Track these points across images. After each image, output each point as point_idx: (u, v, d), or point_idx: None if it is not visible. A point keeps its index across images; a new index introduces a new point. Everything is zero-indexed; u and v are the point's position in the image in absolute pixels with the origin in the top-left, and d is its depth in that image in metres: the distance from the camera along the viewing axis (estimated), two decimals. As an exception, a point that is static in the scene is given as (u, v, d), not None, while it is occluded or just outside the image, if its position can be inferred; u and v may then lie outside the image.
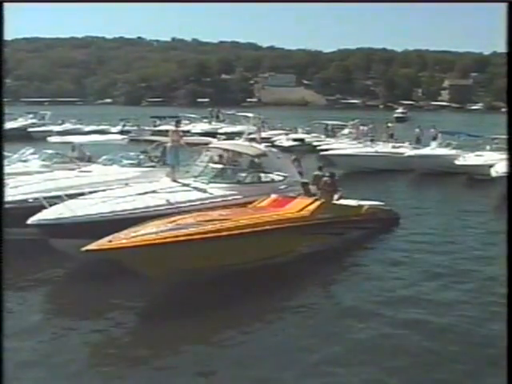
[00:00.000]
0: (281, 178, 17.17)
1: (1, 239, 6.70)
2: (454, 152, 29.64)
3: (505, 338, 6.20)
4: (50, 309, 10.99)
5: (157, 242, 10.57)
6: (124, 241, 10.40)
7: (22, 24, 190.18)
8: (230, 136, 33.07)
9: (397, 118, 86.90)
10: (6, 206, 8.40)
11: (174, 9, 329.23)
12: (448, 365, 8.44)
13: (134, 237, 10.60)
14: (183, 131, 43.62)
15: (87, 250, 10.04)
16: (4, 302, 6.76)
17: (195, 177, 16.26)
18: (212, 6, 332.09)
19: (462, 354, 8.78)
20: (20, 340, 8.64)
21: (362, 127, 40.51)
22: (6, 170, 12.89)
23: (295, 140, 42.33)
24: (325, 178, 16.13)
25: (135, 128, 53.80)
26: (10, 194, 13.01)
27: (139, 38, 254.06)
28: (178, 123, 18.80)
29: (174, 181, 15.83)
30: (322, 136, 43.46)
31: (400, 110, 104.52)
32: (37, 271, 12.41)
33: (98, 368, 8.42)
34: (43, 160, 20.45)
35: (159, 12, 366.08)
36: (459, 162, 27.64)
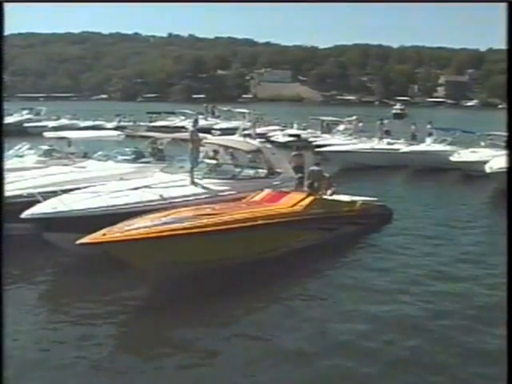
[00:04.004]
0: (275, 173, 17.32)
1: (1, 238, 6.75)
2: (448, 148, 29.73)
3: (505, 338, 6.27)
4: (43, 304, 11.06)
5: (151, 235, 10.63)
6: (118, 234, 10.45)
7: (18, 19, 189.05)
8: (226, 132, 33.12)
9: (395, 114, 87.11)
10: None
11: (170, 4, 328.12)
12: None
13: (128, 230, 10.66)
14: (178, 127, 43.98)
15: (82, 243, 10.11)
16: (4, 299, 6.81)
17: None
18: (208, 2, 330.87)
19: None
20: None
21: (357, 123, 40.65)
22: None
23: (291, 136, 42.37)
24: (315, 172, 16.25)
25: (131, 124, 53.86)
26: (6, 190, 13.04)
27: (135, 33, 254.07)
28: (195, 123, 18.00)
29: (193, 183, 15.55)
30: (318, 132, 43.49)
31: (398, 106, 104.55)
32: (32, 266, 12.51)
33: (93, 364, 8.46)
34: (39, 156, 20.50)
35: (155, 8, 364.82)
36: (454, 158, 27.73)
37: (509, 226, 7.09)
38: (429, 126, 35.09)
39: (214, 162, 17.46)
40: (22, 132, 42.55)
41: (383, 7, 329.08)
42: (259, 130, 29.63)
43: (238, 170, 17.40)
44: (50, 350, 8.85)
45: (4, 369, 6.17)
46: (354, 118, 42.19)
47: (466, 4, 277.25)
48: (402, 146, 31.80)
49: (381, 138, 33.91)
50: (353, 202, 16.27)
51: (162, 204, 13.56)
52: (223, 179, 16.27)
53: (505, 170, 19.63)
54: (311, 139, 39.18)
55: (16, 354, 8.11)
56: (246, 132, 20.03)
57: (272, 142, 32.29)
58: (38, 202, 12.91)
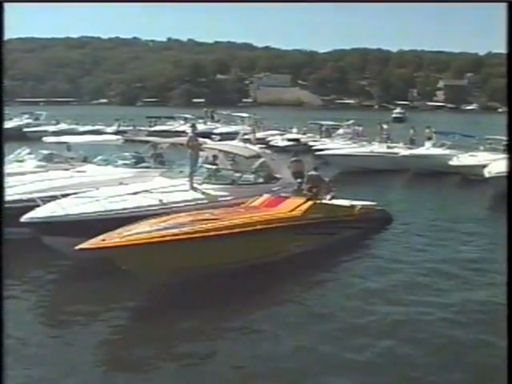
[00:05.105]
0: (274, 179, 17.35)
1: (1, 241, 6.76)
2: (448, 152, 29.71)
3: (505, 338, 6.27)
4: (42, 309, 11.04)
5: (150, 241, 10.65)
6: (117, 239, 10.46)
7: (17, 24, 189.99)
8: (225, 136, 33.15)
9: (395, 118, 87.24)
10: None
11: (169, 9, 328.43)
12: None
13: (126, 236, 10.66)
14: (178, 131, 44.01)
15: (80, 249, 10.11)
16: (3, 300, 6.82)
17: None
18: (208, 7, 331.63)
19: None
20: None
21: (356, 127, 40.71)
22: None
23: (290, 140, 42.40)
24: (314, 177, 16.24)
25: (130, 128, 53.92)
26: (6, 194, 13.05)
27: (135, 38, 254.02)
28: (193, 127, 17.87)
29: (193, 188, 15.51)
30: (317, 136, 43.52)
31: (398, 110, 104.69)
32: (31, 270, 12.55)
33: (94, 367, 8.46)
34: (39, 160, 20.50)
35: (155, 12, 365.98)
36: (453, 162, 27.70)
37: (509, 229, 7.09)
38: (427, 131, 35.14)
39: (213, 167, 17.45)
40: (21, 137, 42.59)
41: (382, 11, 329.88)
42: (259, 135, 29.68)
43: (237, 175, 17.39)
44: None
45: (4, 368, 6.18)
46: (351, 122, 42.24)
47: (464, 8, 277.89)
48: (402, 150, 31.82)
49: (381, 142, 33.92)
50: (352, 207, 16.29)
51: (162, 209, 13.59)
52: (223, 184, 16.27)
53: (503, 174, 19.65)
54: (311, 143, 39.23)
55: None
56: (246, 137, 20.04)
57: (271, 147, 32.37)
58: (38, 206, 12.93)
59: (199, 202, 14.94)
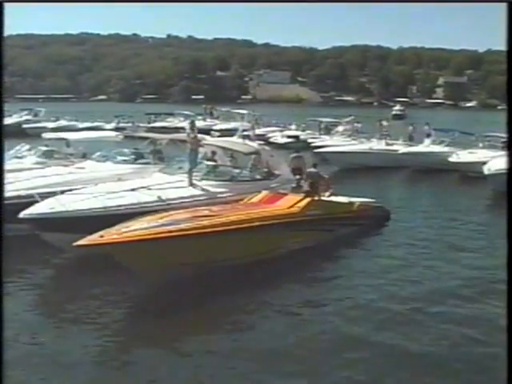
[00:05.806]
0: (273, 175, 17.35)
1: (1, 239, 6.77)
2: (447, 149, 29.74)
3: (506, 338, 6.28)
4: (39, 306, 11.07)
5: (148, 237, 10.67)
6: (115, 236, 10.48)
7: (17, 20, 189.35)
8: (225, 133, 33.08)
9: (394, 115, 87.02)
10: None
11: (169, 6, 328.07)
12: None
13: (125, 232, 10.68)
14: (177, 128, 43.96)
15: (79, 245, 10.12)
16: (3, 298, 6.83)
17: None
18: (207, 4, 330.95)
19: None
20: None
21: (356, 124, 40.67)
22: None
23: (290, 137, 42.38)
24: (313, 174, 16.25)
25: (130, 125, 53.83)
26: (5, 190, 13.03)
27: (134, 34, 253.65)
28: (192, 124, 17.76)
29: (192, 185, 15.59)
30: (317, 133, 43.48)
31: (397, 107, 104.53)
32: (30, 266, 12.54)
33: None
34: (38, 156, 20.51)
35: (154, 9, 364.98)
36: (452, 159, 27.71)
37: (509, 227, 7.09)
38: (426, 127, 35.12)
39: (212, 163, 17.45)
40: (20, 133, 42.52)
41: (382, 8, 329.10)
42: (258, 131, 29.62)
43: (236, 171, 17.40)
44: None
45: (4, 368, 6.19)
46: (350, 118, 42.17)
47: (464, 5, 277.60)
48: (401, 147, 31.82)
49: (380, 139, 33.92)
50: (350, 204, 16.28)
51: (160, 205, 13.59)
52: (221, 181, 16.28)
53: (503, 171, 19.63)
54: (310, 140, 39.20)
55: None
56: (245, 133, 20.03)
57: (271, 144, 32.36)
58: (37, 202, 12.93)
59: (198, 198, 14.97)
